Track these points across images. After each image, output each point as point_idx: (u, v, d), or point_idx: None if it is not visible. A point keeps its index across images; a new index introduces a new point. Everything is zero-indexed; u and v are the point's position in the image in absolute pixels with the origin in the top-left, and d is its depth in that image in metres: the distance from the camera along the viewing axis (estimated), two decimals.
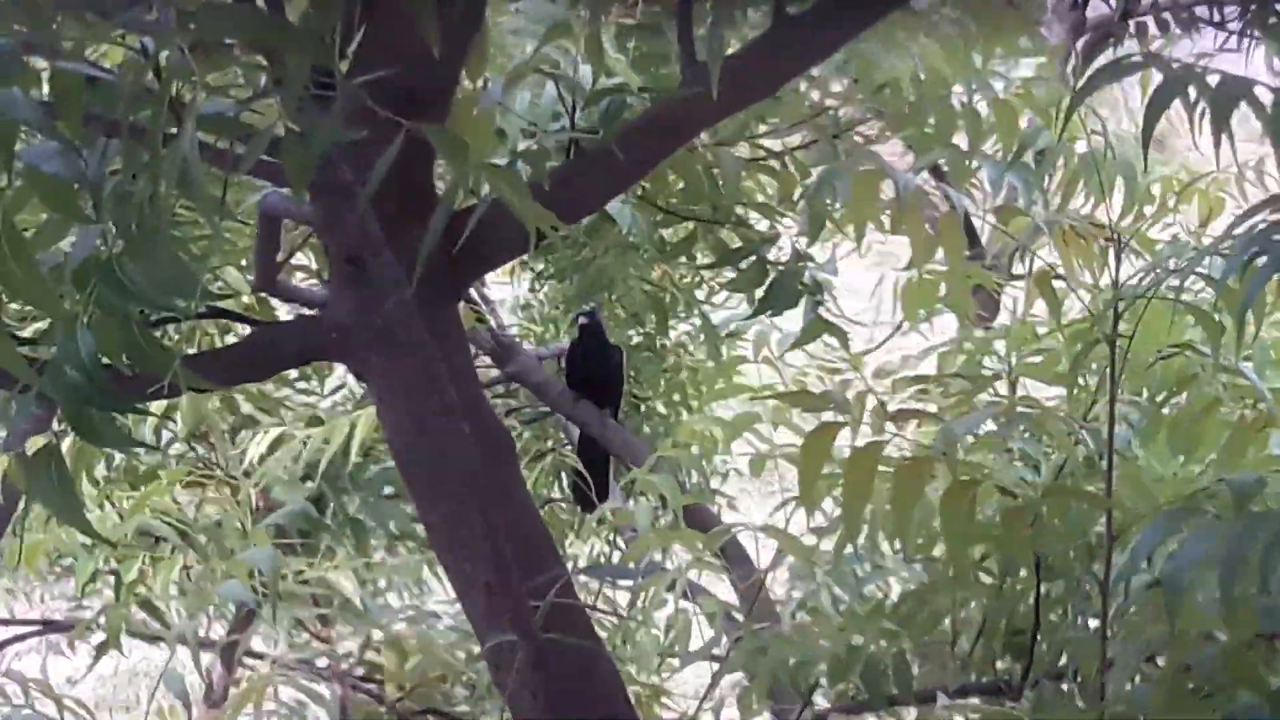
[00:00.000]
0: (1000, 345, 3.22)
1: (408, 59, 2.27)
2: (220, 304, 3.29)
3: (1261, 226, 2.26)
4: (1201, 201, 3.67)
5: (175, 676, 3.22)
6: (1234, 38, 2.80)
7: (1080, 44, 5.44)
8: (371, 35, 2.34)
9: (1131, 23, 4.00)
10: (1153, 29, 3.61)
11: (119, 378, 2.10)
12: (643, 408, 4.96)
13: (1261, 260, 2.23)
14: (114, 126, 1.94)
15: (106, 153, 1.97)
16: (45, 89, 1.94)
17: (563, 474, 4.91)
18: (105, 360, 2.01)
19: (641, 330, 4.81)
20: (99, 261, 1.93)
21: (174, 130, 1.91)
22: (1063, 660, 2.79)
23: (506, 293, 5.07)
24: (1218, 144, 2.24)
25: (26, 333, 2.46)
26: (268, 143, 1.96)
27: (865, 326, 4.08)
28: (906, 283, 3.26)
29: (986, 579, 2.90)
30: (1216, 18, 2.38)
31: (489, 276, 4.57)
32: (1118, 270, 2.67)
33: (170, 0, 1.88)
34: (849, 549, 2.79)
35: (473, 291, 4.38)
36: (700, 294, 4.60)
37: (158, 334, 2.42)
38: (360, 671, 4.19)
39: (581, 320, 4.16)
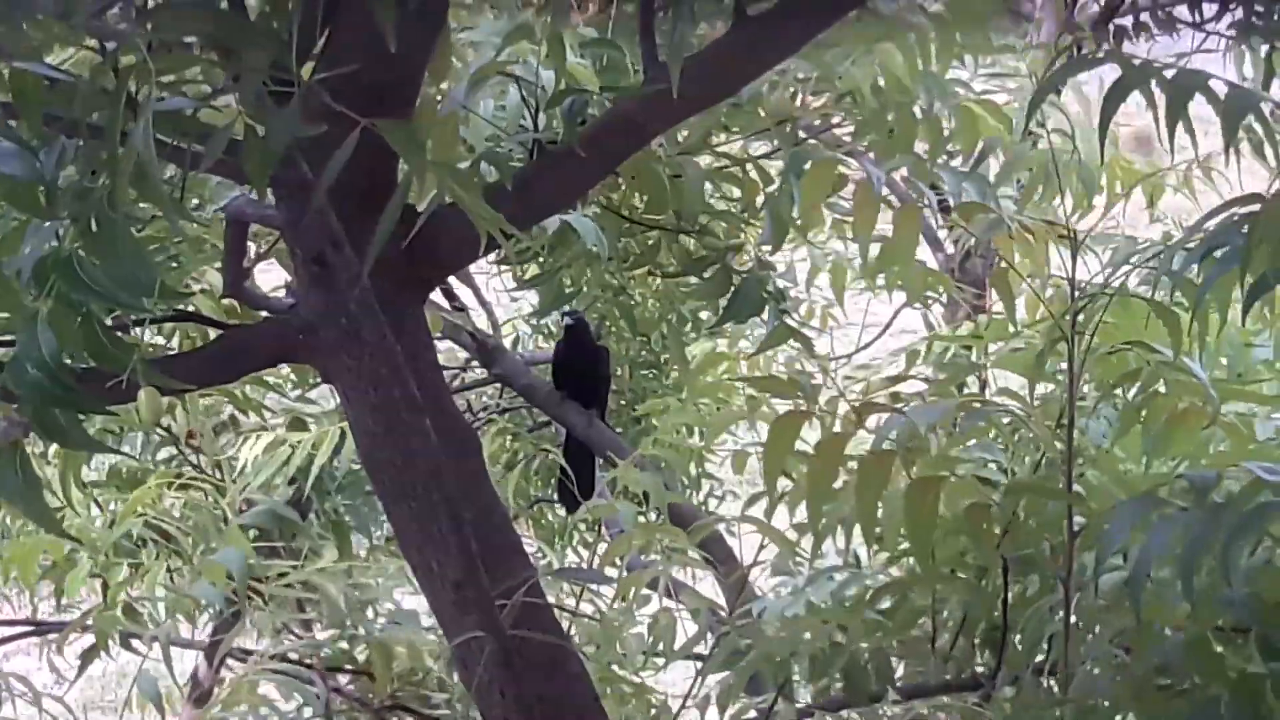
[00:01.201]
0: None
1: (371, 60, 2.22)
2: (200, 308, 3.24)
3: (1229, 222, 2.23)
4: (1145, 190, 3.62)
5: (149, 679, 3.15)
6: (1212, 38, 2.76)
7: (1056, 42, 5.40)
8: (336, 37, 2.30)
9: (1111, 25, 3.96)
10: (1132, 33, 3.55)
11: (81, 378, 2.04)
12: (641, 421, 4.92)
13: (1219, 253, 2.21)
14: (73, 126, 1.89)
15: (65, 152, 1.91)
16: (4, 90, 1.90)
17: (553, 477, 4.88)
18: (67, 359, 1.95)
19: (626, 337, 4.75)
20: (58, 258, 1.87)
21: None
22: (1042, 656, 2.74)
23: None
24: (1171, 134, 2.21)
25: None
26: (227, 140, 1.91)
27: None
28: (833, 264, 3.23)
29: (964, 575, 2.85)
30: (1195, 19, 2.33)
31: (483, 279, 4.55)
32: (1074, 267, 2.63)
33: None
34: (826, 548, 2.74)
35: (462, 294, 4.34)
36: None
37: (130, 335, 2.38)
38: (344, 675, 4.14)
39: (566, 321, 4.14)
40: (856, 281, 3.89)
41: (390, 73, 2.36)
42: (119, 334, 2.10)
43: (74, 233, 1.89)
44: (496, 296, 4.94)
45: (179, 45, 1.99)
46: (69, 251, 1.88)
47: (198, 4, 1.97)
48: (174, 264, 3.20)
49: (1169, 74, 2.23)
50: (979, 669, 2.92)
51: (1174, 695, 2.36)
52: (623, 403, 4.88)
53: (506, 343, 4.70)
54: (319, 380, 4.08)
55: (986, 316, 3.83)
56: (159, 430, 3.91)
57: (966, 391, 2.99)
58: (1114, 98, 2.25)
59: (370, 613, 3.72)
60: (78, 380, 2.00)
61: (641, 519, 3.34)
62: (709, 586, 3.86)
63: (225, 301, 3.37)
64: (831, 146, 3.36)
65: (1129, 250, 2.77)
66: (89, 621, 3.36)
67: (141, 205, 2.03)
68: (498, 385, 4.87)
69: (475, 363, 4.62)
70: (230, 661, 4.18)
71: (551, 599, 2.84)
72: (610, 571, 3.63)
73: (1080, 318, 2.56)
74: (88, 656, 3.42)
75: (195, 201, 3.18)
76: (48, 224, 1.92)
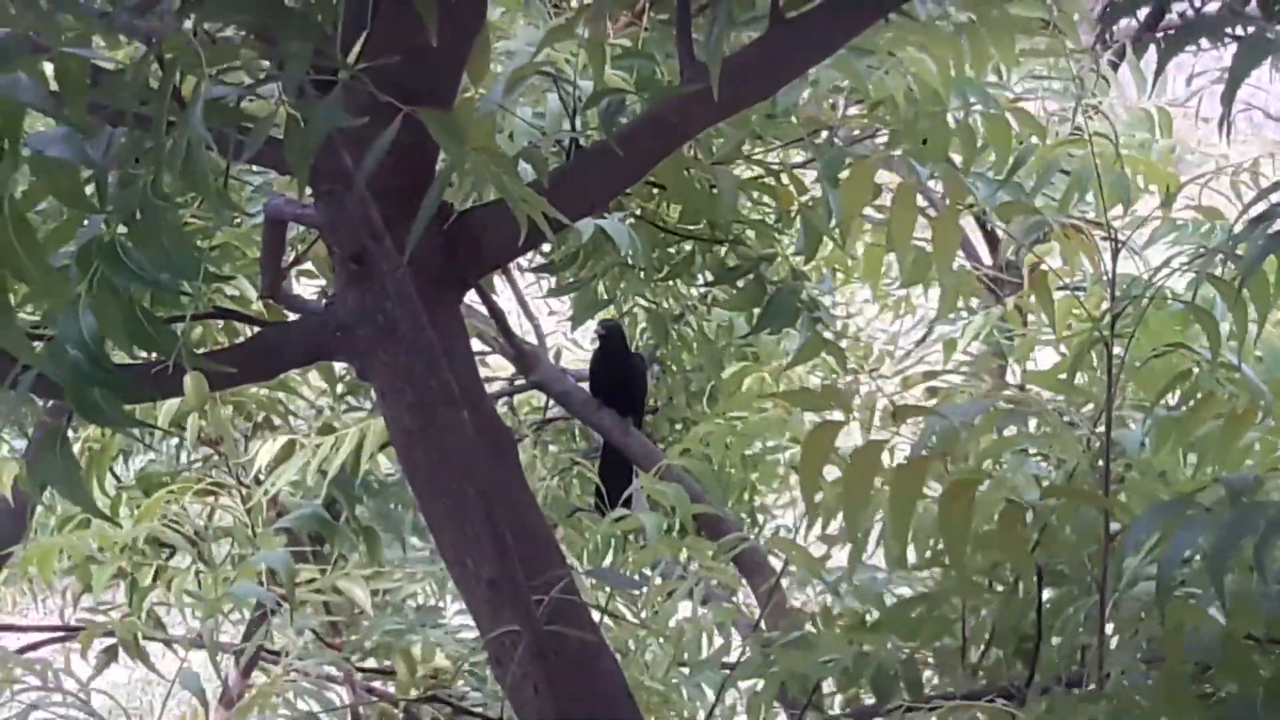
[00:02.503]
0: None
1: (410, 57, 2.21)
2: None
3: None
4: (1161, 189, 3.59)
5: (191, 676, 3.14)
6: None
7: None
8: (376, 33, 2.28)
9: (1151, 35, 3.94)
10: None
11: (122, 367, 2.04)
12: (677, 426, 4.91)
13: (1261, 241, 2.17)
14: (119, 115, 1.88)
15: (111, 139, 1.91)
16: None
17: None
18: (108, 345, 1.95)
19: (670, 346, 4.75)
20: (102, 243, 1.87)
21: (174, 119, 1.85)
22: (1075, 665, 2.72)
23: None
24: None
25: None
26: (270, 128, 1.91)
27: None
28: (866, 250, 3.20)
29: (999, 585, 2.83)
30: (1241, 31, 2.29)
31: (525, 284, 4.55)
32: (1114, 271, 2.61)
33: None
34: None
35: (501, 299, 4.34)
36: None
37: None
38: (373, 679, 4.14)
39: (600, 331, 4.12)
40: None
41: (429, 71, 2.35)
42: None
43: (117, 219, 1.88)
44: (538, 308, 4.94)
45: (222, 38, 1.99)
46: (112, 236, 1.88)
47: None
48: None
49: None
50: (1012, 680, 2.91)
51: (1208, 700, 2.34)
52: (657, 412, 4.86)
53: (550, 355, 4.69)
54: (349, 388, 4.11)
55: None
56: (179, 431, 3.91)
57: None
58: (1241, 66, 2.14)
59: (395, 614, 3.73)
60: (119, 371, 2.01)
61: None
62: (741, 594, 3.84)
63: (256, 308, 3.38)
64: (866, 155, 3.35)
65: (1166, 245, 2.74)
66: (108, 626, 3.36)
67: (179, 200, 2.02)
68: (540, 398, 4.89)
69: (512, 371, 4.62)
70: (262, 663, 4.18)
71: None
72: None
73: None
74: (105, 658, 3.41)
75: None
76: (95, 218, 1.92)
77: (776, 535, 4.91)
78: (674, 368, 4.88)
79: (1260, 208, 2.17)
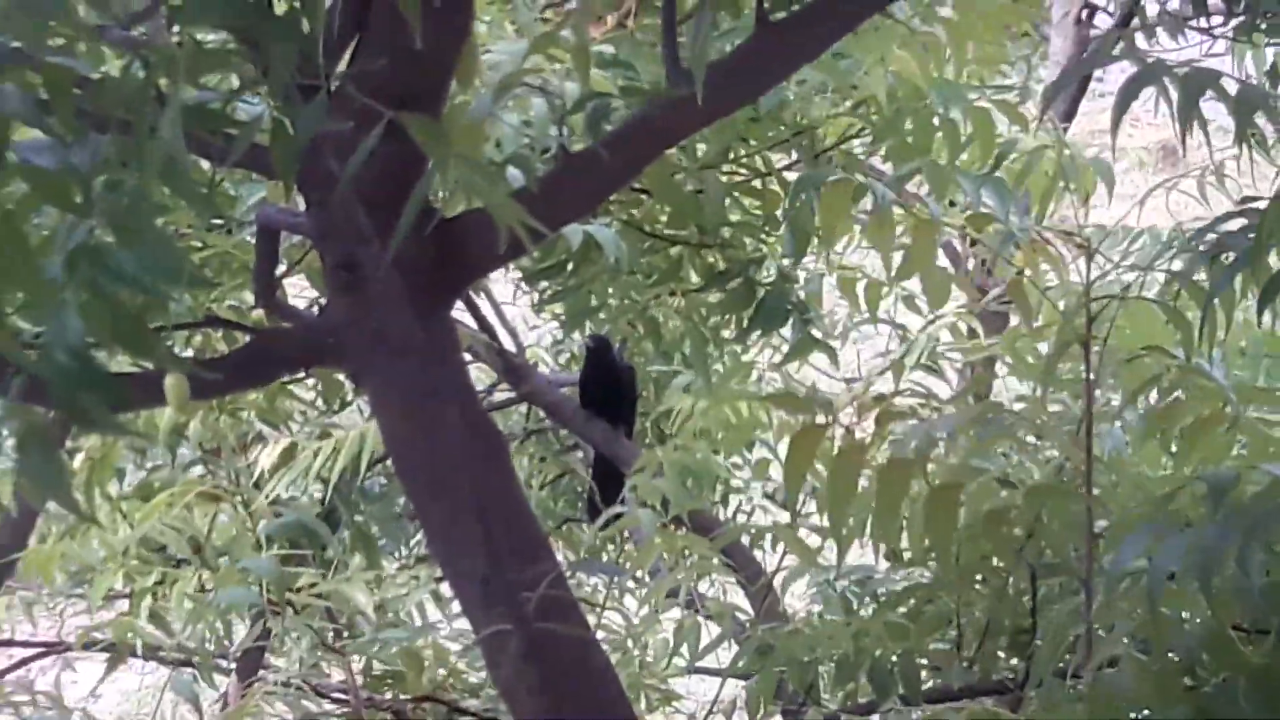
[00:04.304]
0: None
1: (398, 62, 2.21)
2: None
3: (1235, 227, 2.22)
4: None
5: (184, 682, 3.12)
6: (1219, 42, 2.74)
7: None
8: (364, 38, 2.30)
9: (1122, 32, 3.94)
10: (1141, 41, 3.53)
11: (113, 374, 2.02)
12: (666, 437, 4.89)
13: (1228, 256, 2.19)
14: (103, 121, 1.87)
15: (98, 146, 1.89)
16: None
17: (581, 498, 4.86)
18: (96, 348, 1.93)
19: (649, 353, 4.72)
20: (88, 246, 1.85)
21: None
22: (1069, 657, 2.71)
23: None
24: (1186, 133, 2.19)
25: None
26: (255, 132, 1.90)
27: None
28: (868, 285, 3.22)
29: (989, 579, 2.82)
30: (1203, 24, 2.32)
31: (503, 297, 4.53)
32: (1089, 273, 2.61)
33: None
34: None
35: (488, 314, 4.32)
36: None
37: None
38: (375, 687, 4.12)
39: (588, 343, 4.11)
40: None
41: (417, 76, 2.34)
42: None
43: (104, 224, 1.87)
44: (517, 318, 4.92)
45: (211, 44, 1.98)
46: (97, 241, 1.86)
47: None
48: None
49: (1181, 71, 2.21)
50: (1005, 674, 2.90)
51: (1194, 691, 2.33)
52: (647, 422, 4.83)
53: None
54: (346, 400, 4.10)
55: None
56: (177, 439, 3.89)
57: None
58: (1127, 94, 2.24)
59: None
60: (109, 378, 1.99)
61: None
62: (736, 592, 3.83)
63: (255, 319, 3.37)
64: (847, 158, 3.35)
65: (1135, 250, 2.76)
66: (105, 633, 3.34)
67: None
68: (524, 407, 4.86)
69: (502, 384, 4.60)
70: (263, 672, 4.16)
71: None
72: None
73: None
74: (109, 665, 3.40)
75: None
76: (83, 222, 1.91)
77: (776, 524, 4.90)
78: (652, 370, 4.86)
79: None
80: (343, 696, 3.95)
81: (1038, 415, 2.72)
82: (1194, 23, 2.35)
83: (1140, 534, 2.22)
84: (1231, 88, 2.22)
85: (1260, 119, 2.23)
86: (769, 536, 3.35)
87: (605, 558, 4.88)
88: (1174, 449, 2.74)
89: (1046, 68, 5.52)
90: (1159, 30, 2.65)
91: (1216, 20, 2.43)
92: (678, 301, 4.15)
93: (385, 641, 3.76)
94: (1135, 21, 3.96)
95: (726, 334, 4.39)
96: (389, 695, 4.00)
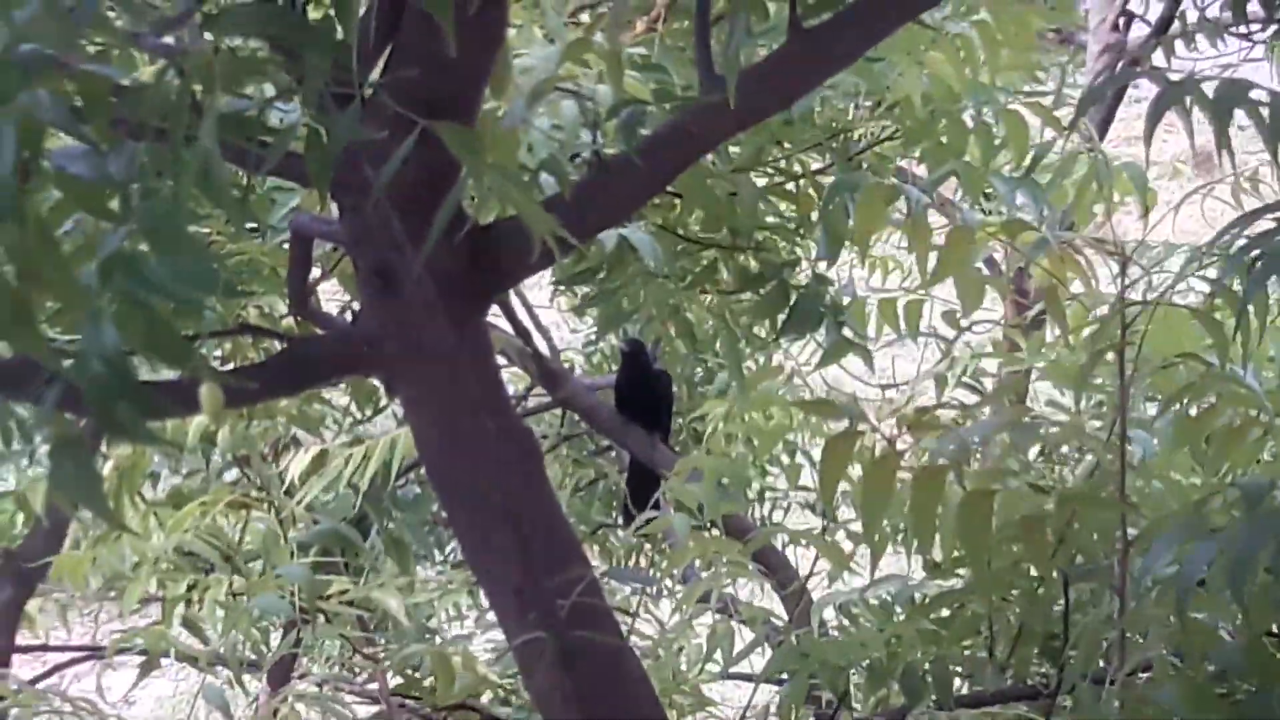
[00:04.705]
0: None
1: (432, 70, 2.21)
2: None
3: (1264, 229, 2.20)
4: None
5: (215, 690, 3.12)
6: (1258, 48, 2.73)
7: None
8: (398, 46, 2.29)
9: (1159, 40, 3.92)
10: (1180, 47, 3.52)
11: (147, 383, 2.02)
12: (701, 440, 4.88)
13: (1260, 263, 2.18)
14: (139, 129, 1.87)
15: (134, 155, 1.89)
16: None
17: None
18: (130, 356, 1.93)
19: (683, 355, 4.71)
20: (122, 256, 1.85)
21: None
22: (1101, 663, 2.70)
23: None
24: (1219, 149, 2.17)
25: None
26: (290, 140, 1.90)
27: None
28: (908, 303, 3.21)
29: (1022, 584, 2.82)
30: (1242, 29, 2.30)
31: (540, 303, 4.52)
32: (1123, 280, 2.60)
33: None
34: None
35: (523, 319, 4.32)
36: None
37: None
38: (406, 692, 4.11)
39: (623, 347, 4.10)
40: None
41: (451, 85, 2.33)
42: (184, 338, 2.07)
43: (139, 232, 1.86)
44: (555, 323, 4.91)
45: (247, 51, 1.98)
46: (132, 249, 1.86)
47: (259, 6, 1.95)
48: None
49: (1209, 87, 2.20)
50: (1039, 679, 2.89)
51: (1228, 699, 2.32)
52: (681, 424, 4.82)
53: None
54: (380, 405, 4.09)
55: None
56: (209, 447, 3.89)
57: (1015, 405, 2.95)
58: (1156, 111, 2.23)
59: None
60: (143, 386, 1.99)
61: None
62: (775, 603, 3.82)
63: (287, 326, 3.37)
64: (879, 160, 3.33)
65: (1168, 258, 2.74)
66: (138, 641, 3.34)
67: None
68: (558, 412, 4.85)
69: (537, 389, 4.59)
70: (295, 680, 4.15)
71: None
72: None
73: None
74: (143, 671, 3.39)
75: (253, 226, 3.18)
76: (118, 230, 1.90)
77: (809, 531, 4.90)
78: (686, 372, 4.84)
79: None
80: (373, 697, 3.95)
81: (1072, 422, 2.72)
82: (1233, 28, 2.33)
83: (1170, 539, 2.21)
84: (1262, 96, 2.20)
85: None
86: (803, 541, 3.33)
87: (640, 562, 4.88)
88: (1205, 454, 2.73)
89: (1083, 74, 5.49)
90: (1198, 36, 2.63)
91: (1255, 25, 2.41)
92: (710, 299, 4.15)
93: (415, 654, 3.76)
94: (1175, 27, 3.92)
95: (759, 331, 4.40)
96: (419, 701, 4.00)
